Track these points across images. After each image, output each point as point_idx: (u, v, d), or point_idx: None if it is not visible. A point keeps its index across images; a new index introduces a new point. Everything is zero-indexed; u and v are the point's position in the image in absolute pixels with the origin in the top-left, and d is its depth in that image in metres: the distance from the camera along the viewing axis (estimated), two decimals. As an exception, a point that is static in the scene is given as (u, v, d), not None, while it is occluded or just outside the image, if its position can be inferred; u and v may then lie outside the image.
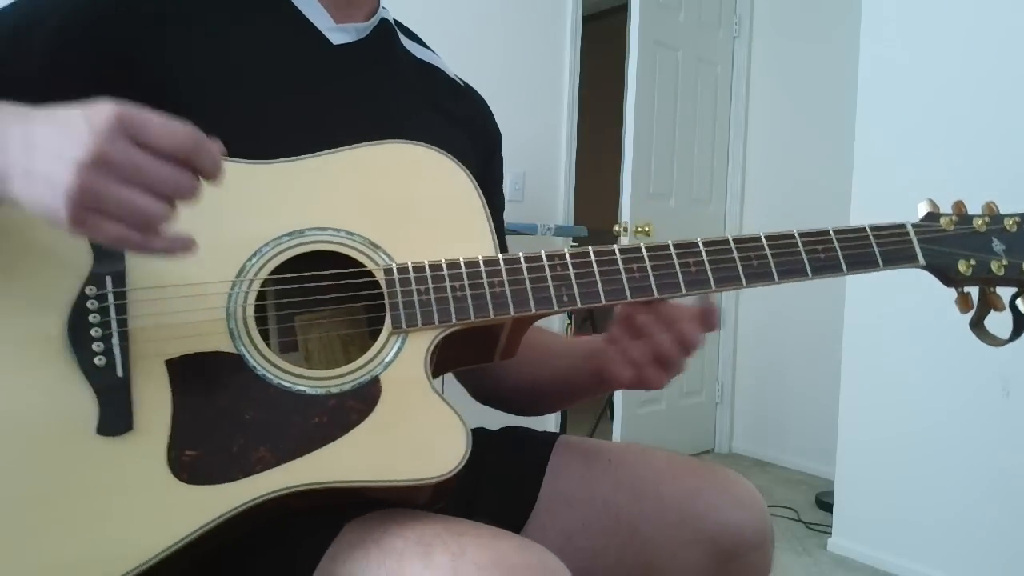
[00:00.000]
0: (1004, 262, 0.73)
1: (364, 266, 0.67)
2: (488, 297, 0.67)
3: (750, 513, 0.79)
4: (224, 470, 0.59)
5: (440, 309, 0.66)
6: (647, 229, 2.95)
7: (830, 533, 2.46)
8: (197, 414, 0.61)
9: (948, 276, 0.74)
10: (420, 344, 0.66)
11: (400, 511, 0.66)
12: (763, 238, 0.71)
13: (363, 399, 0.63)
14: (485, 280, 0.67)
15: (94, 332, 0.60)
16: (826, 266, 0.71)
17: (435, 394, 0.64)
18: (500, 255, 0.69)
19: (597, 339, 0.80)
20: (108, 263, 0.62)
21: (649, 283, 0.70)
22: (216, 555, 0.63)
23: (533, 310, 0.68)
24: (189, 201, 0.55)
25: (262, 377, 0.62)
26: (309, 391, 0.63)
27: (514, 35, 2.88)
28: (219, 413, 0.60)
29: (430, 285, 0.67)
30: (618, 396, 3.00)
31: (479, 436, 0.73)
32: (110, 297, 0.61)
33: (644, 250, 0.70)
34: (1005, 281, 0.74)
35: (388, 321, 0.66)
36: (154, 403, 0.60)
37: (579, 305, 0.69)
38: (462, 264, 0.68)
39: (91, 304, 0.61)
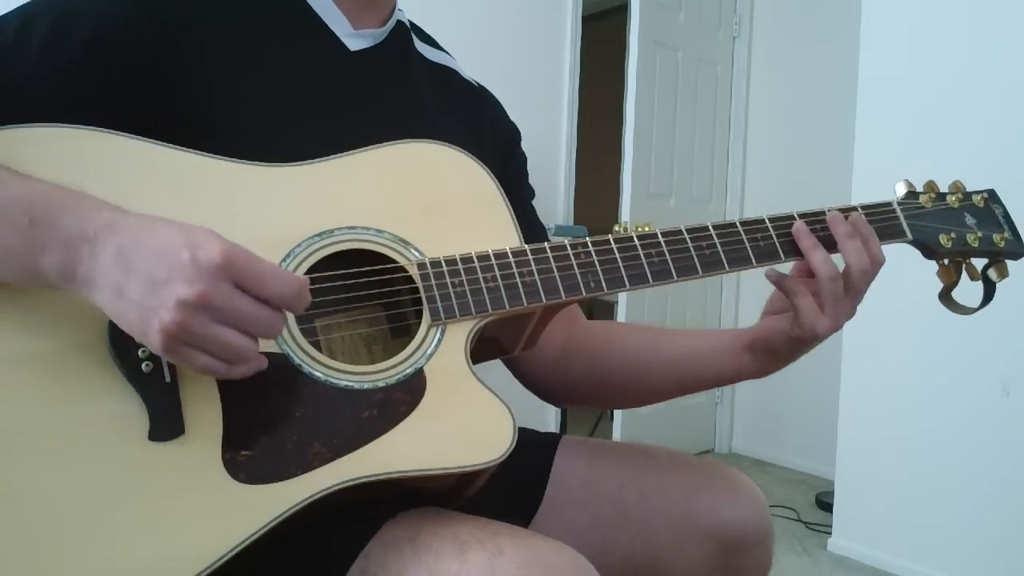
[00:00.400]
0: (978, 234, 0.80)
1: (396, 262, 0.68)
2: (520, 286, 0.69)
3: (752, 509, 0.82)
4: (281, 468, 0.60)
5: (476, 300, 0.68)
6: (647, 229, 2.95)
7: (830, 533, 2.46)
8: (248, 415, 0.61)
9: (930, 249, 0.80)
10: (459, 335, 0.67)
11: (431, 511, 0.66)
12: (767, 220, 0.76)
13: (409, 391, 0.64)
14: (515, 270, 0.69)
15: None
16: (825, 243, 0.75)
17: (478, 382, 0.66)
18: (526, 245, 0.71)
19: (727, 332, 0.81)
20: None
21: (668, 266, 0.73)
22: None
23: (563, 297, 0.70)
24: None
25: (309, 375, 0.63)
26: (357, 386, 0.64)
27: (514, 35, 2.88)
28: (270, 412, 0.61)
29: (463, 277, 0.68)
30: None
31: None
32: None
33: (660, 235, 0.74)
34: (978, 252, 0.80)
35: (427, 314, 0.67)
36: (204, 406, 0.61)
37: (605, 290, 0.71)
38: (492, 256, 0.70)
39: None
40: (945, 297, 0.81)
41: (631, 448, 0.89)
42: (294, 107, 0.74)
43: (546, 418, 2.83)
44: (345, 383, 0.64)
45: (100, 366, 0.59)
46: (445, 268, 0.68)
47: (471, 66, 0.94)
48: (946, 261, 0.81)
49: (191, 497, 0.58)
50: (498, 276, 0.69)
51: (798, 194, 3.29)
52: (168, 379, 0.60)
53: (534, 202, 0.96)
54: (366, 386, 0.64)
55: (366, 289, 0.67)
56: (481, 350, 0.74)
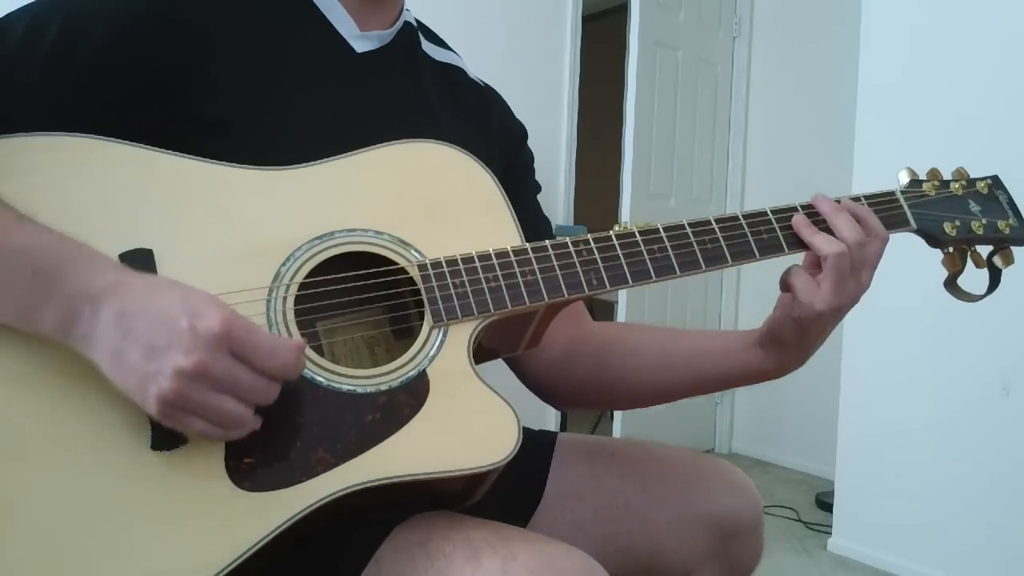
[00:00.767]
0: (983, 221, 0.79)
1: (396, 264, 0.68)
2: (522, 286, 0.69)
3: (746, 496, 0.85)
4: (286, 475, 0.59)
5: (478, 300, 0.67)
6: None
7: (830, 533, 2.46)
8: None
9: (935, 238, 0.79)
10: (461, 336, 0.67)
11: (442, 515, 0.66)
12: (769, 212, 0.76)
13: (413, 393, 0.64)
14: (517, 269, 0.69)
15: None
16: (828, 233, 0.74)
17: (481, 382, 0.65)
18: (528, 244, 0.70)
19: (736, 333, 0.81)
20: None
21: (671, 261, 0.72)
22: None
23: (566, 295, 0.70)
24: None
25: (311, 380, 0.62)
26: (360, 390, 0.63)
27: (514, 35, 2.88)
28: (272, 419, 0.60)
29: (464, 278, 0.68)
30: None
31: None
32: None
33: (662, 230, 0.73)
34: (983, 240, 0.79)
35: (428, 315, 0.67)
36: None
37: (608, 287, 0.71)
38: (493, 255, 0.69)
39: None
40: (951, 285, 0.80)
41: (627, 443, 0.92)
42: (302, 109, 0.74)
43: (546, 418, 2.82)
44: (348, 387, 0.63)
45: (101, 378, 0.59)
46: (446, 268, 0.68)
47: (471, 66, 0.94)
48: (951, 249, 0.80)
49: (196, 506, 0.58)
50: (500, 275, 0.68)
51: (798, 194, 3.25)
52: None
53: (537, 200, 0.97)
54: (369, 390, 0.63)
55: (367, 292, 0.67)
56: (484, 350, 0.74)
